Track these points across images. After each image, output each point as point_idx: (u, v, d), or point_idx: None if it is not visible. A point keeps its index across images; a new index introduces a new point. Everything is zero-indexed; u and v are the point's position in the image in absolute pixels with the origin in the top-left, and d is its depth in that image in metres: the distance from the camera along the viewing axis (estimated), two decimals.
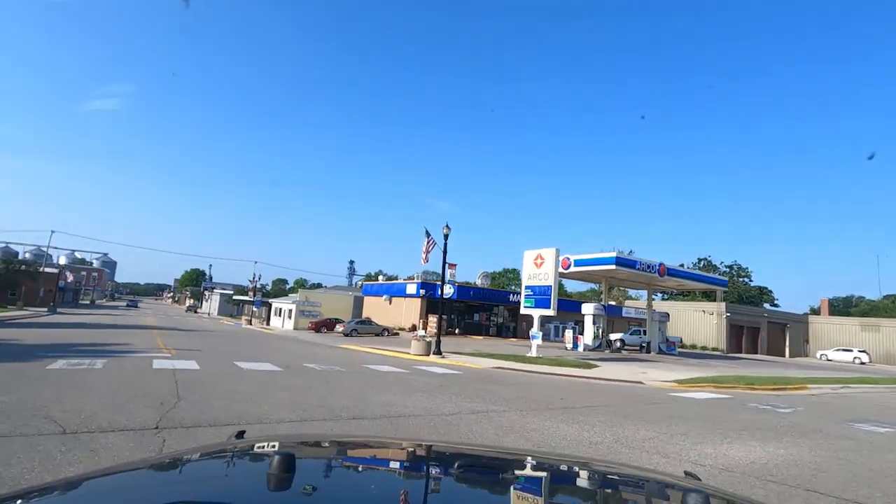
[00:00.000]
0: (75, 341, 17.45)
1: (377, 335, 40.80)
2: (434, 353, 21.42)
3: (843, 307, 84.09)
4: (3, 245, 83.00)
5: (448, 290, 45.99)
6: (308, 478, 1.19)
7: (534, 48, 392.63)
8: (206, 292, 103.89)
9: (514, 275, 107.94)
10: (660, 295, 78.72)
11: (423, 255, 21.91)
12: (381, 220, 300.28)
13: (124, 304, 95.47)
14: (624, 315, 55.96)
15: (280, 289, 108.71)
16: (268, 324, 56.84)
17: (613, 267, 29.92)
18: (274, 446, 1.66)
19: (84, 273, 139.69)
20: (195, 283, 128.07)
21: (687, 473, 1.66)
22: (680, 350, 41.21)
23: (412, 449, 2.07)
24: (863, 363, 48.85)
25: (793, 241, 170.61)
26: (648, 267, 31.41)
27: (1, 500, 1.04)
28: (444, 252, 22.11)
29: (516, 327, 51.91)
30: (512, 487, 1.38)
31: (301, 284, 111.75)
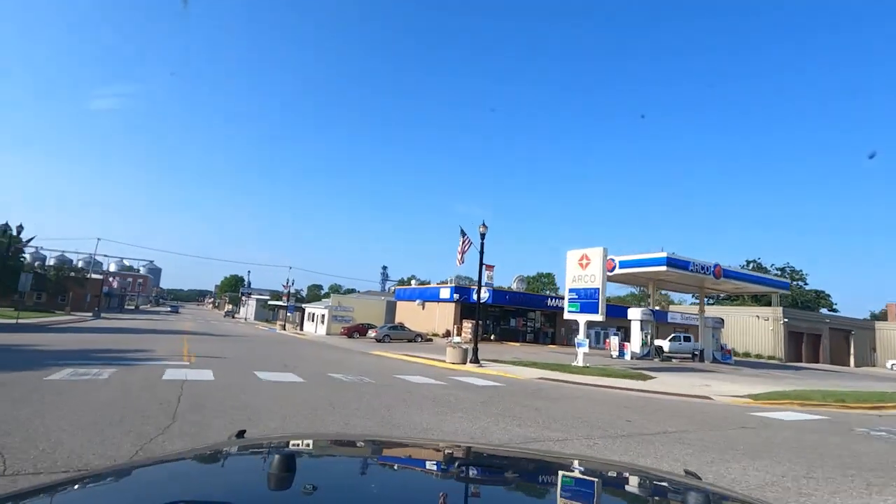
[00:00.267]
0: (98, 347, 16.81)
1: (410, 341, 39.53)
2: (471, 362, 19.83)
3: None
4: (59, 253, 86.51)
5: (483, 295, 44.45)
6: (308, 477, 1.16)
7: (571, 54, 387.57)
8: (244, 298, 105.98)
9: (548, 279, 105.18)
10: (705, 299, 74.58)
11: (459, 256, 20.39)
12: (412, 226, 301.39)
13: (167, 309, 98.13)
14: (669, 321, 52.81)
15: (315, 294, 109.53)
16: (301, 329, 56.59)
17: (664, 269, 27.58)
18: (274, 445, 1.69)
19: (130, 279, 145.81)
20: (234, 288, 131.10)
21: (687, 472, 1.68)
22: (735, 359, 38.04)
23: (412, 448, 2.09)
24: None
25: (848, 242, 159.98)
26: (702, 268, 28.85)
27: (0, 500, 1.00)
28: (481, 253, 20.54)
29: (555, 333, 49.66)
30: (512, 486, 1.36)
31: (335, 290, 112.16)
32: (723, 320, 36.36)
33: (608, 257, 26.91)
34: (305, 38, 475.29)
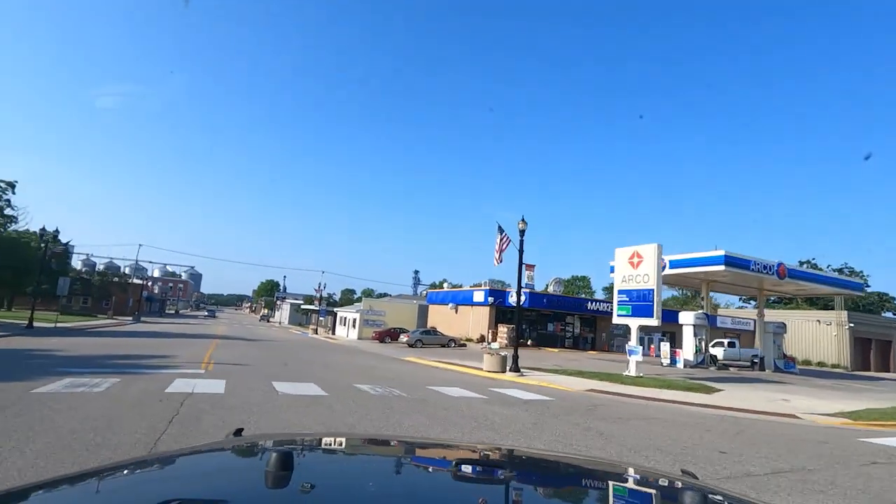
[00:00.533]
0: (117, 353, 16.01)
1: (443, 346, 38.00)
2: (511, 370, 18.08)
3: None
4: (108, 260, 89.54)
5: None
6: (306, 475, 1.16)
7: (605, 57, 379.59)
8: (279, 302, 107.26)
9: (583, 282, 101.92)
10: (752, 303, 69.88)
11: (496, 255, 18.70)
12: (444, 229, 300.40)
13: (204, 313, 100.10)
14: (719, 325, 49.28)
15: (348, 298, 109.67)
16: (333, 333, 55.99)
17: (721, 268, 25.06)
18: (272, 444, 1.66)
19: (171, 284, 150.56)
20: (270, 293, 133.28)
21: (684, 472, 1.68)
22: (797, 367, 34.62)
23: (411, 446, 2.09)
24: None
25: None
26: (765, 267, 26.11)
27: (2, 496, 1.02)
28: (521, 251, 18.79)
29: (594, 338, 47.10)
30: (509, 485, 1.36)
31: (368, 294, 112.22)
32: (785, 325, 33.17)
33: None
34: (339, 43, 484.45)
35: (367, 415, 8.30)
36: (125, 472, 1.34)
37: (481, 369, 19.38)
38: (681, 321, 28.58)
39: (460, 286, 56.33)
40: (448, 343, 38.51)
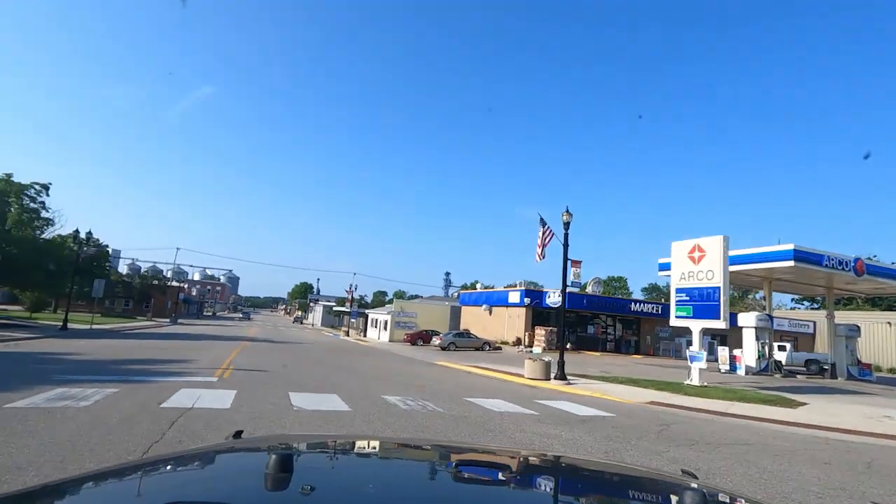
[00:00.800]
0: (131, 357, 15.09)
1: (477, 349, 36.27)
2: (556, 378, 16.24)
3: None
4: (151, 264, 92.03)
5: (556, 298, 40.28)
6: (306, 478, 1.16)
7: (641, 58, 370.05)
8: (312, 304, 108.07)
9: (620, 283, 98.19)
10: (805, 304, 64.87)
11: (538, 251, 16.87)
12: (475, 231, 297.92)
13: (239, 315, 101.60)
14: (776, 327, 45.57)
15: (380, 301, 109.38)
16: (364, 335, 55.12)
17: (789, 264, 22.37)
18: (272, 446, 1.66)
19: (209, 287, 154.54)
20: (304, 295, 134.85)
21: (684, 472, 1.69)
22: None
23: (410, 448, 2.06)
24: None
25: None
26: (840, 263, 23.22)
27: (0, 499, 1.02)
28: (565, 245, 16.92)
29: (638, 342, 44.36)
30: (510, 486, 1.35)
31: (399, 296, 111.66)
32: (858, 328, 29.79)
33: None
34: (369, 47, 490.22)
35: (395, 437, 6.73)
36: (125, 474, 1.33)
37: (522, 376, 17.61)
38: (741, 323, 25.89)
39: (492, 287, 54.44)
40: (482, 346, 36.77)
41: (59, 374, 10.06)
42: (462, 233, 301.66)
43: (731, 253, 24.03)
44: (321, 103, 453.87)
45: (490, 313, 44.49)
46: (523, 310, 39.66)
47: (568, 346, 38.67)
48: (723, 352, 26.39)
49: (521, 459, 1.86)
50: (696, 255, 17.15)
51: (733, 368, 24.93)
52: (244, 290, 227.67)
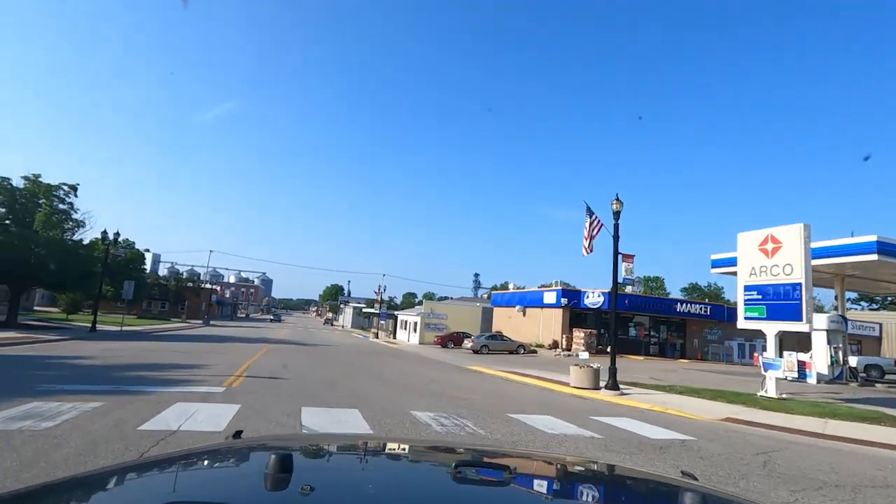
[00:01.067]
0: (143, 362, 14.00)
1: (511, 352, 34.39)
2: (608, 388, 14.28)
3: None
4: (190, 268, 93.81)
5: (596, 299, 37.93)
6: (306, 478, 1.14)
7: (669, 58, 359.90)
8: (342, 306, 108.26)
9: (657, 283, 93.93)
10: (862, 304, 59.94)
11: (586, 244, 14.91)
12: (503, 232, 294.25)
13: (270, 317, 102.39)
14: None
15: (409, 302, 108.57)
16: (394, 337, 53.96)
17: (872, 257, 19.72)
18: (271, 446, 1.63)
19: (243, 290, 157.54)
20: (334, 297, 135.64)
21: (684, 473, 1.65)
22: None
23: (411, 447, 2.07)
24: None
25: None
26: None
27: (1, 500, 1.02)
28: (615, 237, 14.95)
29: (684, 345, 41.44)
30: (510, 486, 1.34)
31: (429, 297, 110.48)
32: None
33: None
34: (397, 49, 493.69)
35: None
36: (123, 475, 1.32)
37: (566, 384, 15.73)
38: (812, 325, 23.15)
39: (523, 288, 52.31)
40: (516, 349, 34.87)
41: (45, 384, 8.89)
42: (490, 234, 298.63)
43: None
44: (358, 107, 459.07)
45: (524, 315, 42.47)
46: (560, 311, 37.51)
47: (607, 349, 36.34)
48: (789, 357, 23.65)
49: (521, 459, 1.87)
50: (770, 246, 14.87)
51: (802, 376, 22.23)
52: (277, 293, 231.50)
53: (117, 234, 29.48)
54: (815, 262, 21.59)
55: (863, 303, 60.64)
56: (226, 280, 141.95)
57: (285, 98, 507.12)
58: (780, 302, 14.41)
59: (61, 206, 27.35)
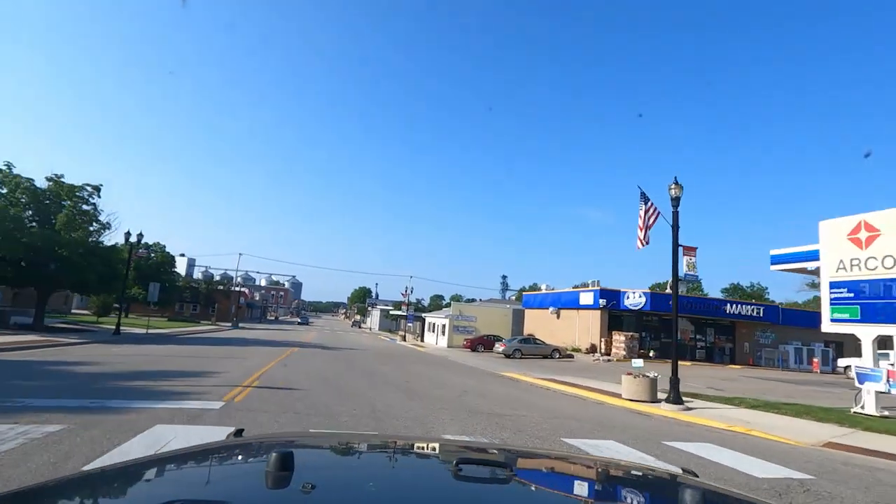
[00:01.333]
0: (147, 369, 12.78)
1: (546, 357, 32.35)
2: (669, 401, 12.24)
3: None
4: (223, 271, 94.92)
5: (637, 299, 35.41)
6: (307, 476, 1.13)
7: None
8: (370, 308, 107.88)
9: (693, 285, 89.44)
10: None
11: (641, 234, 12.91)
12: (530, 233, 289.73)
13: (298, 320, 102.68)
14: None
15: (437, 304, 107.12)
16: (422, 339, 52.50)
17: None
18: (273, 444, 1.63)
19: (273, 293, 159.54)
20: (362, 300, 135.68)
21: (685, 470, 1.65)
22: None
23: (411, 446, 2.04)
24: None
25: None
26: None
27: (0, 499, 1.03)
28: (675, 227, 12.93)
29: (734, 349, 38.45)
30: (511, 483, 1.34)
31: (456, 299, 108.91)
32: None
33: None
34: (419, 51, 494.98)
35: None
36: (125, 473, 1.32)
37: (617, 395, 13.80)
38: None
39: (552, 289, 49.96)
40: (551, 353, 32.79)
41: (15, 397, 7.61)
42: (517, 235, 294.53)
43: None
44: (391, 112, 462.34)
45: (558, 317, 40.28)
46: (598, 312, 35.22)
47: (651, 353, 33.69)
48: (884, 366, 20.84)
49: (521, 457, 1.86)
50: (863, 235, 12.55)
51: (893, 387, 19.45)
52: (307, 295, 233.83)
53: (140, 234, 28.99)
54: None
55: None
56: (257, 283, 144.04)
57: (306, 103, 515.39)
58: (877, 301, 12.09)
59: (85, 206, 26.99)
